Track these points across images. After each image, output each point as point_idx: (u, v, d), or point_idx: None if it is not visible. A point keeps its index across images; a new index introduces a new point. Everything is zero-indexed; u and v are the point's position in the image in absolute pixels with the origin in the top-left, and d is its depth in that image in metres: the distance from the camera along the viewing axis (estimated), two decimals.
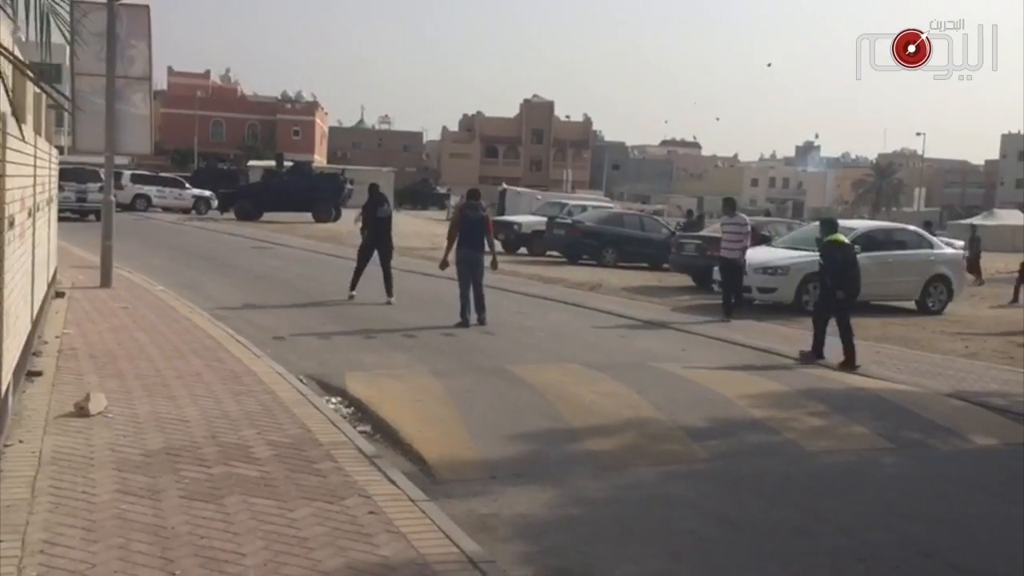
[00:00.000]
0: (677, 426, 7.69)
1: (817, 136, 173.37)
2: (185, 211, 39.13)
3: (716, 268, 16.20)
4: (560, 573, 4.74)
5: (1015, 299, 20.36)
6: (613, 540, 5.25)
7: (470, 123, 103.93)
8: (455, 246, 12.88)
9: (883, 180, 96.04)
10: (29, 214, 7.50)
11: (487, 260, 12.84)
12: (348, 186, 38.63)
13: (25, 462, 5.47)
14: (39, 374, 7.66)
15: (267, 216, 36.38)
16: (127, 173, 38.38)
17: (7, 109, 5.43)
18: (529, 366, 9.84)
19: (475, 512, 5.49)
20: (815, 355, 11.14)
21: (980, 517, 6.07)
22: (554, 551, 5.01)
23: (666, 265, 22.66)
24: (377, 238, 14.48)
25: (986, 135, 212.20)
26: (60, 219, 15.02)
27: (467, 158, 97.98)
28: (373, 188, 14.96)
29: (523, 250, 27.61)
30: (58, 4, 4.83)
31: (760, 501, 6.11)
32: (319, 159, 78.95)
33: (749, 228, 15.19)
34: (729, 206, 15.58)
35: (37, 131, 8.31)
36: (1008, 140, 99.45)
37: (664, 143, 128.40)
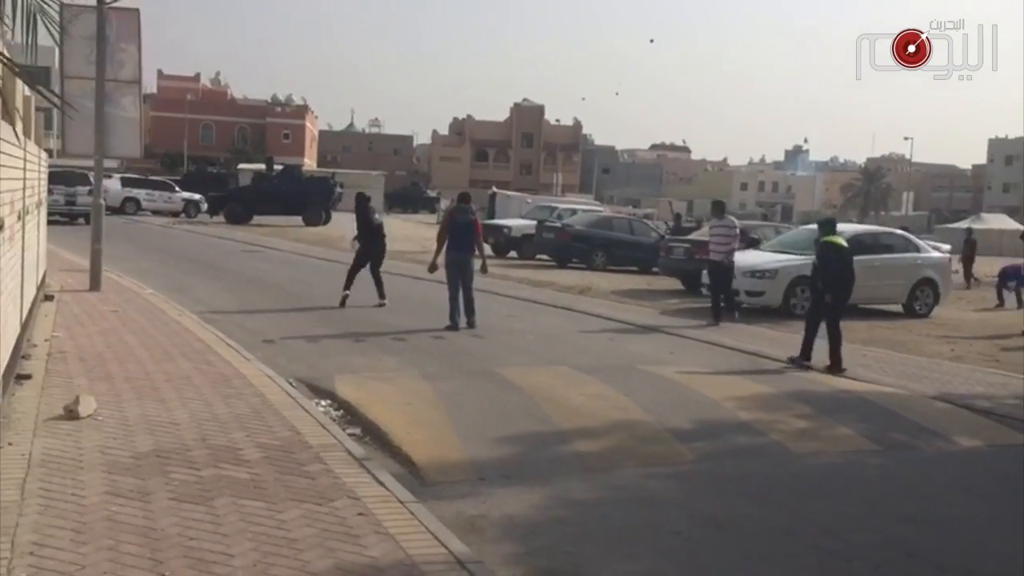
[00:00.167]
0: (664, 428, 7.75)
1: (806, 140, 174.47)
2: (175, 214, 39.06)
3: (705, 272, 16.27)
4: (548, 574, 4.78)
5: (1000, 302, 20.50)
6: (601, 541, 5.30)
7: (460, 127, 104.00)
8: (445, 249, 12.92)
9: (871, 184, 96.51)
10: (18, 217, 7.51)
11: (477, 264, 12.90)
12: (338, 190, 38.62)
13: (15, 464, 5.48)
14: (28, 377, 7.66)
15: (257, 219, 36.35)
16: (116, 176, 38.28)
17: None
18: (518, 369, 9.88)
19: (463, 513, 5.52)
20: (803, 358, 11.18)
21: (964, 518, 6.14)
22: (542, 552, 5.05)
23: (655, 269, 22.73)
24: (373, 244, 14.53)
25: (974, 140, 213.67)
26: (49, 222, 15.00)
27: (457, 162, 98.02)
28: (361, 197, 14.96)
29: (513, 253, 27.67)
30: (47, 4, 4.84)
31: (746, 502, 6.16)
32: (309, 162, 78.85)
33: (738, 231, 15.21)
34: (718, 209, 15.60)
35: (27, 134, 8.31)
36: (995, 144, 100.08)
37: (654, 147, 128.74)
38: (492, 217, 33.70)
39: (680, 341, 13.03)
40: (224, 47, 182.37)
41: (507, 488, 6.09)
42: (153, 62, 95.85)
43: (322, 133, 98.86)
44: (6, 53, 5.20)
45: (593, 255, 25.07)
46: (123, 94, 14.26)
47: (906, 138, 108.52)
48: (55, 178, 30.54)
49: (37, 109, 13.62)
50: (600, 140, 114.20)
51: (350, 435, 6.91)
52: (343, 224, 26.02)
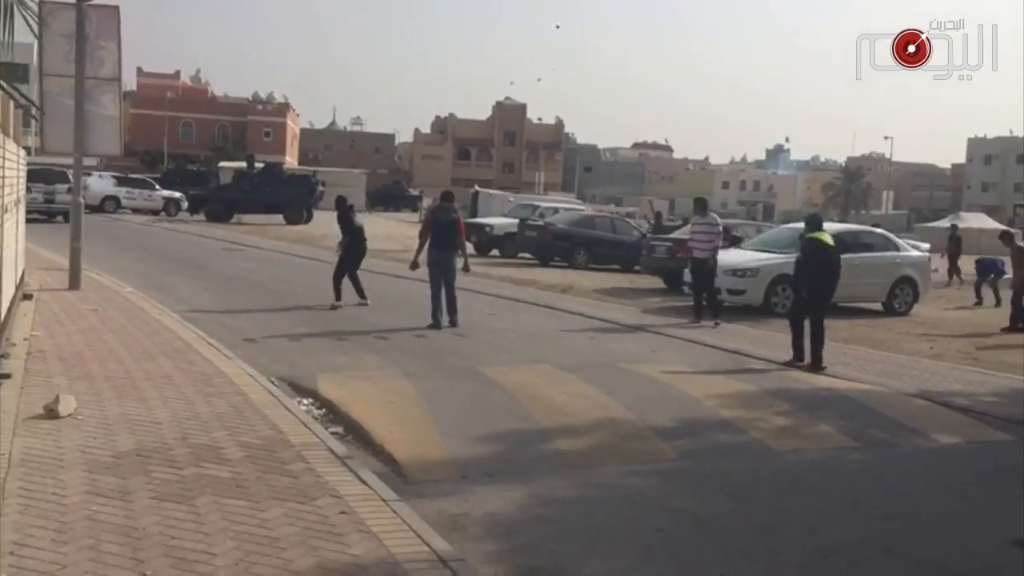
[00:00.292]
0: (646, 426, 7.78)
1: (787, 139, 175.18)
2: (155, 213, 38.83)
3: (686, 270, 16.32)
4: (530, 571, 4.80)
5: (979, 301, 20.70)
6: (582, 538, 5.32)
7: (442, 125, 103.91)
8: (427, 248, 12.93)
9: (852, 183, 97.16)
10: None
11: (459, 262, 12.90)
12: (320, 188, 38.53)
13: None
14: (7, 376, 7.60)
15: (238, 218, 36.19)
16: (95, 174, 38.01)
17: None
18: (500, 367, 9.89)
19: (446, 511, 5.54)
20: (797, 359, 11.07)
21: (942, 515, 6.19)
22: (524, 549, 5.07)
23: (637, 267, 22.81)
24: (355, 247, 14.45)
25: (953, 139, 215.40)
26: (27, 221, 14.88)
27: (439, 160, 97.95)
28: (341, 201, 14.95)
29: (495, 252, 27.69)
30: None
31: (727, 499, 6.20)
32: (290, 161, 78.55)
33: (721, 228, 15.11)
34: (700, 206, 15.47)
35: (5, 132, 8.25)
36: (974, 144, 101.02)
37: (636, 145, 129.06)
38: (474, 216, 33.70)
39: (662, 339, 13.08)
40: (205, 44, 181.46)
41: (489, 486, 6.10)
42: (133, 59, 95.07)
43: (303, 131, 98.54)
44: None
45: (575, 253, 25.13)
46: (103, 91, 14.16)
47: (886, 137, 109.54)
48: (34, 176, 30.29)
49: (16, 107, 13.51)
50: (582, 139, 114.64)
51: (332, 434, 6.90)
52: (325, 223, 25.94)
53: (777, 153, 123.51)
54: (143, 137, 74.43)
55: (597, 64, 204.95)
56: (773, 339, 13.45)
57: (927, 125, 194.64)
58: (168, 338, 10.08)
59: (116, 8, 14.19)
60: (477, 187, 42.31)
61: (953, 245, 27.12)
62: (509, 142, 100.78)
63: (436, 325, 12.37)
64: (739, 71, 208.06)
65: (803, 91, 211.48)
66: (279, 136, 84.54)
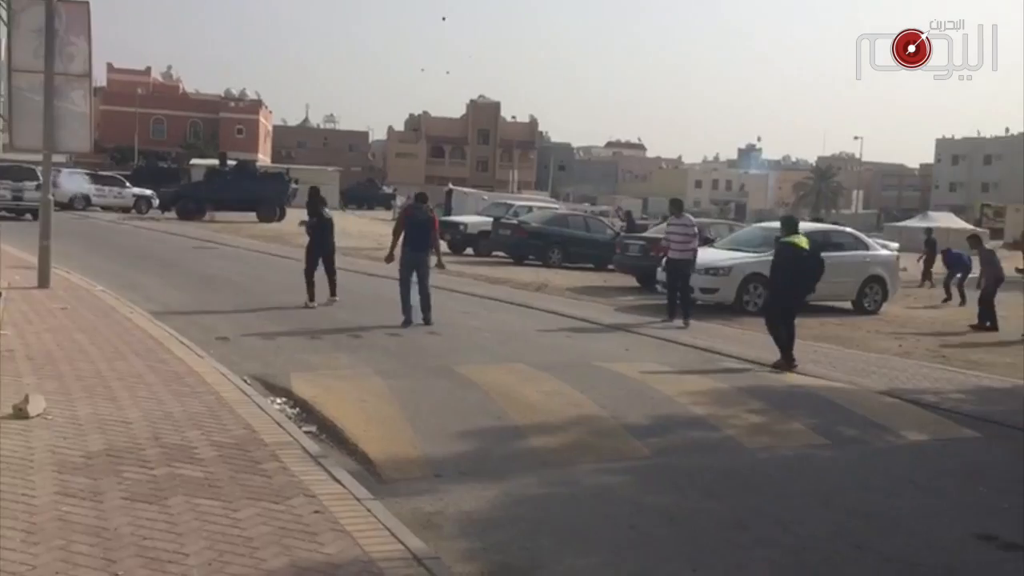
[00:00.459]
0: (620, 424, 7.83)
1: (759, 139, 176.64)
2: (125, 210, 38.44)
3: (660, 269, 16.40)
4: (504, 569, 4.82)
5: (948, 297, 20.97)
6: (556, 536, 5.35)
7: (416, 123, 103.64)
8: (401, 246, 12.93)
9: (822, 183, 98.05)
10: None
11: (433, 260, 12.92)
12: (293, 185, 38.31)
13: None
14: None
15: (210, 215, 35.92)
16: (64, 171, 37.58)
17: None
18: (475, 366, 9.90)
19: (420, 510, 5.54)
20: (786, 363, 10.93)
21: (910, 510, 6.28)
22: (498, 547, 5.08)
23: (611, 266, 22.90)
24: (323, 239, 14.33)
25: (922, 140, 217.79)
26: None
27: (413, 158, 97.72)
28: (314, 190, 14.85)
29: (469, 250, 27.69)
30: None
31: (700, 496, 6.25)
32: (263, 158, 78.07)
33: (696, 229, 15.15)
34: (676, 207, 15.48)
35: None
36: (942, 144, 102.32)
37: (609, 144, 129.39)
38: (449, 214, 33.68)
39: (635, 338, 13.15)
40: (176, 41, 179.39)
41: (464, 484, 6.11)
42: (103, 55, 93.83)
43: (276, 128, 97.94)
44: None
45: (549, 252, 25.18)
46: (72, 88, 13.99)
47: (856, 137, 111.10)
48: (2, 173, 30.00)
49: None
50: (556, 137, 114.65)
51: (306, 433, 6.88)
52: (298, 221, 25.76)
53: (749, 153, 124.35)
54: (113, 134, 73.67)
55: (571, 63, 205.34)
56: (745, 337, 13.57)
57: (896, 125, 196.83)
58: (139, 337, 9.99)
59: (86, 4, 14.02)
60: (451, 185, 42.33)
61: (928, 248, 27.41)
62: (483, 140, 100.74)
63: (407, 322, 12.38)
64: (711, 71, 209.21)
65: (775, 91, 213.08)
66: (252, 133, 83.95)
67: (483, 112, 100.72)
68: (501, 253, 26.61)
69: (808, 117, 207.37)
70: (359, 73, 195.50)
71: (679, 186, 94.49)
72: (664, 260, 15.23)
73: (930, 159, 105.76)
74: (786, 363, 10.93)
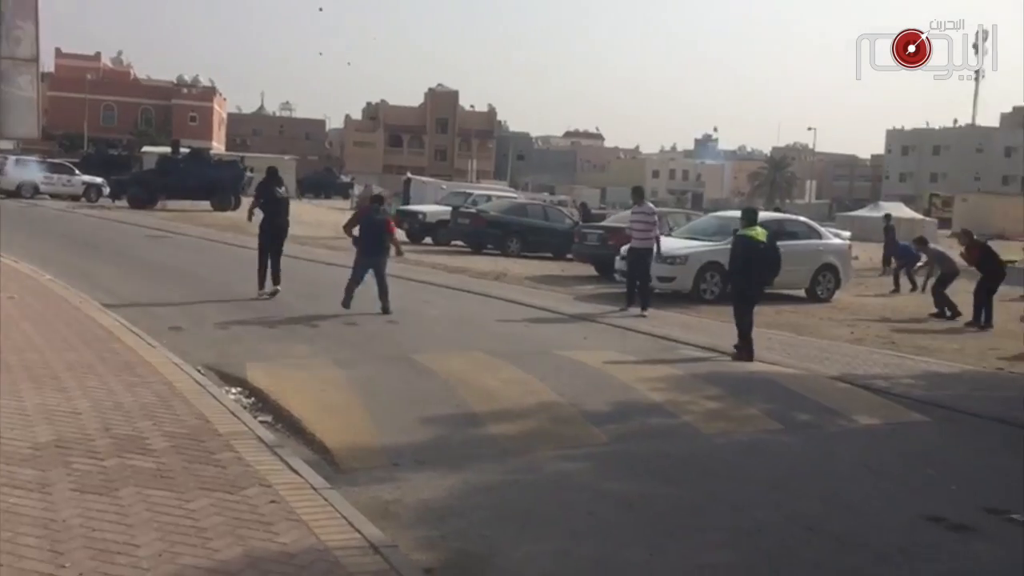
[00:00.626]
0: (578, 411, 7.85)
1: (715, 129, 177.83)
2: (74, 198, 37.68)
3: (618, 258, 16.46)
4: (462, 556, 4.81)
5: (896, 288, 21.32)
6: (514, 523, 5.35)
7: (374, 111, 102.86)
8: (357, 252, 12.90)
9: (777, 173, 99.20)
10: None
11: (392, 252, 12.92)
12: (248, 174, 37.80)
13: None
14: None
15: (162, 204, 35.34)
16: (11, 158, 36.73)
17: None
18: (433, 355, 9.86)
19: (378, 499, 5.51)
20: (747, 353, 10.86)
21: (862, 493, 6.38)
22: (456, 535, 5.07)
23: (569, 255, 22.94)
24: (276, 222, 13.77)
25: (873, 131, 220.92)
26: None
27: (371, 147, 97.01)
28: (271, 171, 14.44)
29: (428, 240, 27.57)
30: None
31: (657, 482, 6.30)
32: (217, 146, 76.94)
33: (656, 217, 15.11)
34: (638, 195, 15.39)
35: None
36: (892, 135, 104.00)
37: (568, 134, 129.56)
38: (407, 203, 33.47)
39: (594, 326, 13.20)
40: (126, 25, 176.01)
41: (422, 473, 6.09)
42: (51, 40, 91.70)
43: (231, 116, 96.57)
44: None
45: (508, 241, 25.16)
46: (19, 72, 13.54)
47: (810, 128, 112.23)
48: None
49: None
50: (515, 127, 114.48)
51: (261, 422, 6.81)
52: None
53: (705, 143, 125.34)
54: (62, 120, 72.07)
55: (529, 53, 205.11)
56: (702, 325, 13.69)
57: (848, 117, 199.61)
58: (89, 327, 9.80)
59: None
60: (409, 174, 42.03)
61: (888, 236, 27.73)
62: (441, 129, 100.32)
63: (346, 302, 12.32)
64: (668, 62, 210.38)
65: (730, 81, 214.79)
66: (205, 120, 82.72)
67: (441, 101, 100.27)
68: (460, 242, 26.54)
69: (763, 108, 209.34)
70: (316, 60, 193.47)
71: (637, 176, 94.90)
72: (626, 249, 15.20)
73: (881, 150, 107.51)
74: (747, 353, 10.89)
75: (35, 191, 36.72)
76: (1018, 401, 9.65)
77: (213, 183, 36.06)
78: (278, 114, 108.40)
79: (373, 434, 6.90)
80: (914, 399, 9.28)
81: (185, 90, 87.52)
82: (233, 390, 7.89)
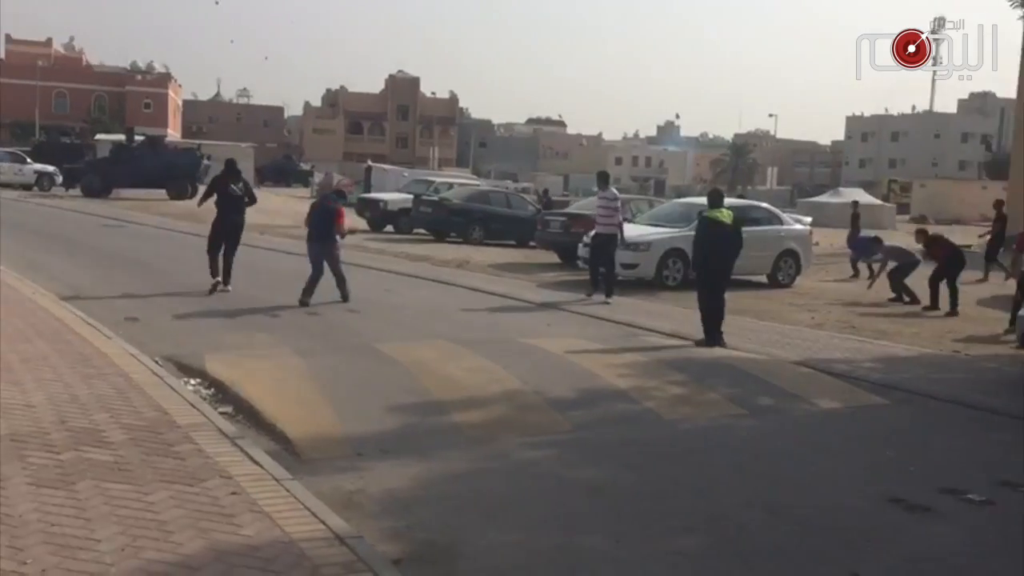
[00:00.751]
0: (543, 398, 7.84)
1: (678, 116, 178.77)
2: (26, 187, 36.93)
3: (580, 244, 16.47)
4: (427, 546, 4.78)
5: (855, 273, 21.58)
6: (479, 512, 5.33)
7: (333, 98, 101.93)
8: (307, 238, 12.73)
9: (739, 159, 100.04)
10: None
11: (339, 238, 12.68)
12: (205, 162, 37.28)
13: None
14: None
15: (116, 193, 34.76)
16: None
17: None
18: (396, 344, 9.80)
19: (342, 489, 5.46)
20: (710, 340, 10.83)
21: (824, 476, 6.46)
22: (421, 525, 5.04)
23: (532, 242, 22.93)
24: (227, 218, 13.14)
25: (833, 117, 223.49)
26: None
27: (331, 134, 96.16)
28: (228, 163, 13.81)
29: (390, 228, 27.41)
30: None
31: (621, 468, 6.31)
32: (173, 133, 75.79)
33: (619, 203, 15.04)
34: (603, 181, 15.25)
35: None
36: (852, 122, 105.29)
37: (530, 121, 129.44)
38: (368, 191, 33.23)
39: (557, 313, 13.20)
40: (78, 11, 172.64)
41: (386, 462, 6.05)
42: (0, 26, 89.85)
43: (187, 103, 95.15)
44: None
45: (470, 229, 25.08)
46: None
47: (771, 115, 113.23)
48: None
49: None
50: (476, 114, 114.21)
51: (221, 414, 6.72)
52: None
53: (668, 130, 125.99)
54: (12, 108, 70.56)
55: (490, 39, 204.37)
56: (664, 311, 13.76)
57: (808, 103, 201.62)
58: (43, 318, 9.60)
59: None
60: (371, 162, 41.74)
61: (854, 221, 27.96)
62: (402, 116, 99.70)
63: (302, 303, 12.03)
64: (630, 48, 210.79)
65: (694, 68, 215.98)
66: (160, 107, 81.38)
67: (402, 88, 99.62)
68: (422, 230, 26.42)
69: (725, 95, 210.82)
70: (274, 46, 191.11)
71: (600, 163, 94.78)
72: (591, 235, 15.17)
73: (841, 136, 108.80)
74: (713, 339, 10.87)
75: None
76: (973, 383, 9.83)
77: (169, 171, 35.52)
78: (235, 101, 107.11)
79: (335, 424, 6.84)
80: (873, 382, 9.40)
81: (139, 76, 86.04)
82: (192, 381, 7.78)
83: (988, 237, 22.14)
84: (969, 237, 25.79)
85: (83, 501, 4.66)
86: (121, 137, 41.07)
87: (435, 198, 26.70)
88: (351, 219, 17.63)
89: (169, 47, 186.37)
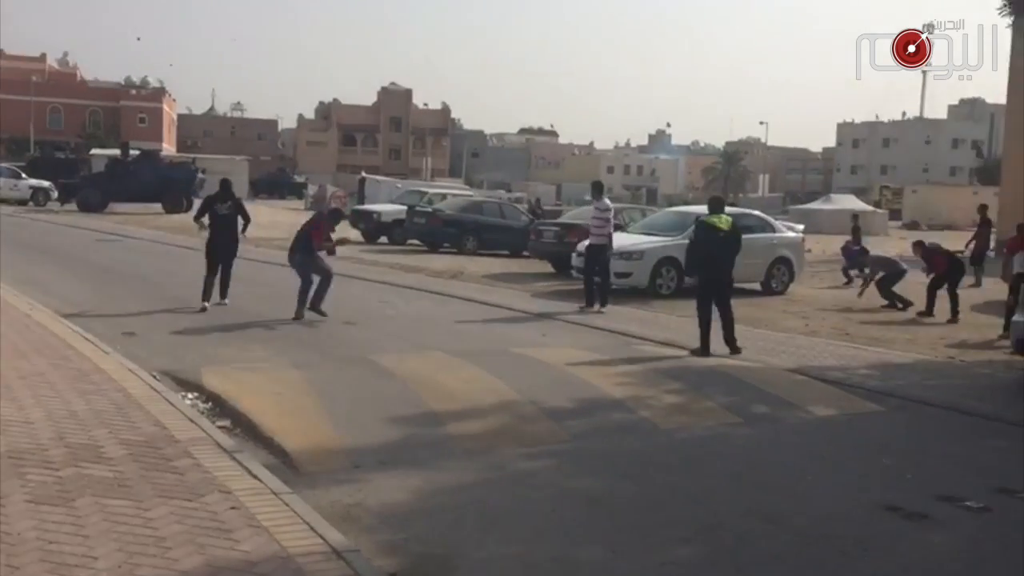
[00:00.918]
0: (539, 409, 7.86)
1: (669, 124, 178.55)
2: (22, 203, 36.92)
3: (574, 254, 16.50)
4: (425, 559, 4.79)
5: (848, 280, 21.64)
6: (476, 523, 5.34)
7: (327, 111, 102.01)
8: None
9: (730, 167, 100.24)
10: None
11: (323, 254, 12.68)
12: (200, 175, 37.33)
13: None
14: None
15: (112, 207, 34.76)
16: None
17: None
18: (392, 355, 9.82)
19: (339, 502, 5.47)
20: (704, 350, 10.78)
21: (820, 484, 6.48)
22: (419, 538, 5.05)
23: (526, 252, 22.96)
24: (217, 239, 13.06)
25: (824, 124, 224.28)
26: None
27: (324, 147, 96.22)
28: (222, 183, 13.69)
29: (384, 239, 27.43)
30: None
31: (618, 478, 6.33)
32: (168, 148, 75.80)
33: (611, 212, 15.10)
34: (597, 190, 15.34)
35: None
36: (843, 129, 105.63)
37: (522, 131, 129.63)
38: (362, 203, 33.29)
39: (552, 323, 13.23)
40: (72, 26, 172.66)
41: (384, 474, 6.06)
42: None
43: (181, 117, 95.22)
44: None
45: (464, 239, 25.12)
46: None
47: (762, 123, 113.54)
48: None
49: None
50: (469, 125, 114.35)
51: (219, 428, 6.72)
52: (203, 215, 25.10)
53: (659, 138, 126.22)
54: (7, 123, 70.54)
55: (482, 50, 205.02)
56: (660, 320, 13.79)
57: (800, 110, 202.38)
58: (41, 334, 9.60)
59: None
60: (364, 174, 41.81)
61: (855, 234, 28.06)
62: (395, 128, 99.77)
63: (297, 317, 12.00)
64: (621, 58, 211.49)
65: (683, 77, 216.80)
66: (155, 122, 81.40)
67: (395, 99, 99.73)
68: (416, 241, 26.45)
69: (715, 103, 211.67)
70: (267, 60, 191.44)
71: (592, 172, 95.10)
72: (585, 245, 15.21)
73: (832, 143, 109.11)
74: (707, 349, 10.78)
75: None
76: (968, 389, 9.87)
77: (164, 185, 35.57)
78: (229, 115, 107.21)
79: (332, 436, 6.85)
80: (869, 389, 9.43)
81: (133, 91, 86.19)
82: (189, 395, 7.78)
83: (972, 244, 22.28)
84: (961, 243, 25.86)
85: (82, 518, 4.66)
86: (116, 152, 41.13)
87: (429, 209, 26.75)
88: (346, 231, 17.65)
89: (163, 61, 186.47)
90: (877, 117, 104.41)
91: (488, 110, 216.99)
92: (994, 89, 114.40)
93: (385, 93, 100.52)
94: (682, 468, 6.68)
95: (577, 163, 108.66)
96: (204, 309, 12.51)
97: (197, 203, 33.91)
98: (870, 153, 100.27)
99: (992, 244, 26.51)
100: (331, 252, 12.73)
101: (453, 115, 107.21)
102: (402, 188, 36.15)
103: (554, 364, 9.73)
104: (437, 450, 6.69)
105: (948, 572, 5.07)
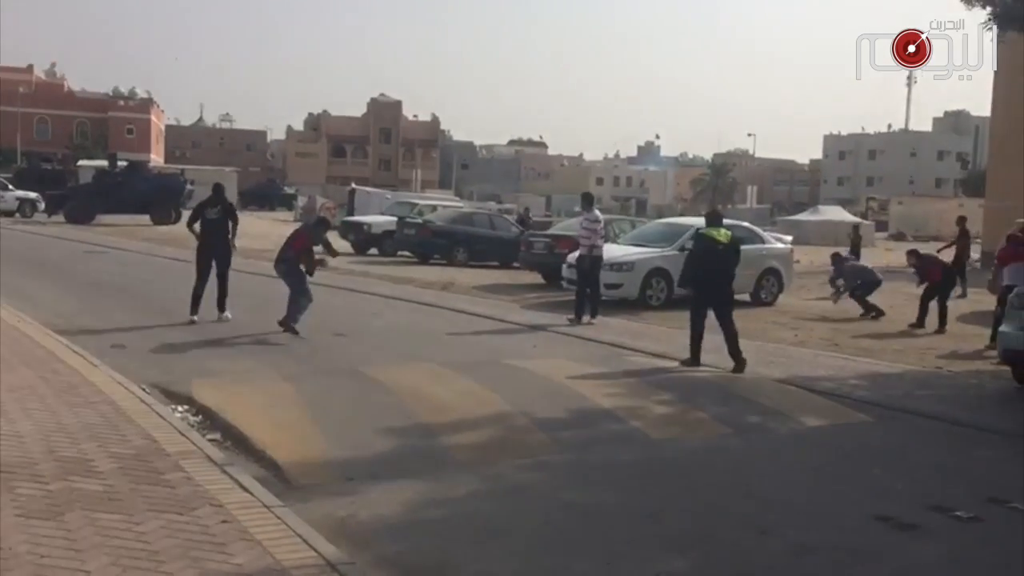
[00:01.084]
0: (531, 420, 7.86)
1: (658, 136, 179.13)
2: (8, 214, 36.75)
3: (564, 265, 16.52)
4: (418, 572, 4.78)
5: (836, 290, 21.70)
6: (470, 536, 5.33)
7: (316, 122, 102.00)
8: None
9: (718, 179, 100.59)
10: None
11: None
12: (188, 186, 37.23)
13: None
14: None
15: (100, 219, 34.63)
16: None
17: None
18: (382, 367, 9.80)
19: (333, 515, 5.45)
20: (694, 360, 10.76)
21: (811, 494, 6.50)
22: (413, 550, 5.04)
23: (516, 263, 22.98)
24: (207, 243, 12.97)
25: (811, 136, 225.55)
26: None
27: (314, 158, 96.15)
28: (214, 188, 13.60)
29: (374, 251, 27.42)
30: None
31: (612, 490, 6.33)
32: (156, 159, 75.63)
33: (601, 224, 15.11)
34: (587, 202, 15.36)
35: None
36: (830, 141, 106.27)
37: (512, 142, 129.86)
38: (352, 214, 33.26)
39: (543, 334, 13.24)
40: (59, 37, 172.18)
41: (376, 487, 6.05)
42: None
43: (169, 128, 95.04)
44: None
45: (454, 251, 25.12)
46: None
47: (749, 134, 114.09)
48: None
49: None
50: (458, 136, 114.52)
51: (210, 441, 6.70)
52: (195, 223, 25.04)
53: (648, 150, 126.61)
54: None
55: (472, 62, 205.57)
56: (651, 331, 13.82)
57: (787, 122, 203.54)
58: (28, 347, 9.55)
59: None
60: (354, 185, 41.80)
61: (854, 244, 28.16)
62: (385, 139, 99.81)
63: (290, 329, 11.86)
64: (610, 70, 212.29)
65: (672, 88, 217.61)
66: (143, 133, 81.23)
67: (384, 111, 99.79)
68: (406, 253, 26.44)
69: (704, 115, 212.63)
70: (256, 71, 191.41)
71: (581, 183, 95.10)
72: (575, 256, 15.22)
73: (819, 154, 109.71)
74: (698, 359, 10.79)
75: None
76: (957, 399, 9.93)
77: (152, 196, 35.47)
78: (218, 126, 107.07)
79: (324, 449, 6.83)
80: (859, 400, 9.47)
81: (121, 102, 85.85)
82: (180, 408, 7.75)
83: (942, 250, 22.41)
84: (948, 255, 26.02)
85: (73, 532, 4.64)
86: (104, 163, 41.00)
87: (419, 220, 26.76)
88: (336, 242, 17.59)
89: (151, 72, 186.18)
90: (863, 129, 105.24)
91: (478, 121, 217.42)
92: (979, 102, 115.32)
93: (375, 104, 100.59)
94: (675, 479, 6.69)
95: (566, 174, 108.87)
96: (193, 321, 12.40)
97: (186, 214, 33.97)
98: (856, 165, 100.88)
99: (978, 255, 26.73)
100: (310, 272, 12.56)
101: (443, 126, 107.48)
102: (392, 199, 36.13)
103: (545, 375, 9.73)
104: (430, 462, 6.68)
105: None
